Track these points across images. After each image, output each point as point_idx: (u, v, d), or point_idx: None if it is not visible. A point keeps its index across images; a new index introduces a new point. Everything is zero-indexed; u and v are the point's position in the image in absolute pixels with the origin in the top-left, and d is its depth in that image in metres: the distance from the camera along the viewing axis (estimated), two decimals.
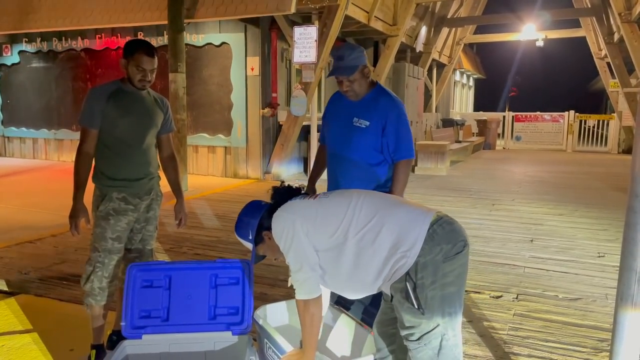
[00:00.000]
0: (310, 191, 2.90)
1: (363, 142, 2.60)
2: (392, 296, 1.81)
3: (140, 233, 2.67)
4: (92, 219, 2.56)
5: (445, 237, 1.73)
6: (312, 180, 2.94)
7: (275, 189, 2.11)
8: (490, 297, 3.62)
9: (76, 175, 2.50)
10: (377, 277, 1.78)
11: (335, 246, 1.83)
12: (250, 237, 2.03)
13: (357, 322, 2.32)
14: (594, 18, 15.61)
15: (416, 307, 1.69)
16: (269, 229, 1.97)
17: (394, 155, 2.60)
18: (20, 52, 11.15)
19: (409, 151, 2.61)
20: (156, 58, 2.54)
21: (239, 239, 2.09)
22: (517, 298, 3.61)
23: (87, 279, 2.52)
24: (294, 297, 2.13)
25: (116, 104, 2.50)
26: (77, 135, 11.76)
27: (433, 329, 1.72)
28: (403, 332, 1.78)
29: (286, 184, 2.14)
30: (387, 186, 2.61)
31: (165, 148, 2.79)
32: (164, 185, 2.76)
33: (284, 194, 2.07)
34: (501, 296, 3.64)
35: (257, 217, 2.01)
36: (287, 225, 1.89)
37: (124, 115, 2.51)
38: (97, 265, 2.51)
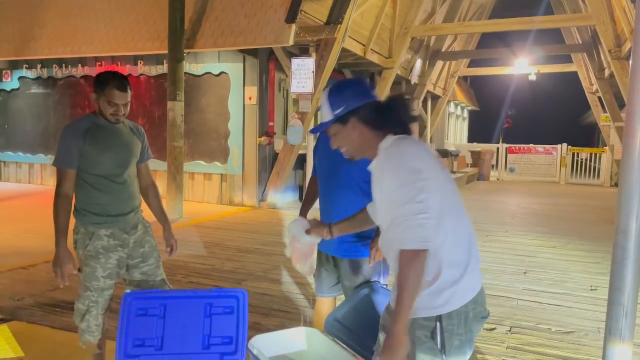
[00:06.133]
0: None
1: (352, 174, 2.65)
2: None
3: (138, 268, 2.59)
4: (76, 259, 2.45)
5: (481, 298, 1.73)
6: (305, 210, 2.98)
7: (404, 98, 1.76)
8: (483, 329, 3.62)
9: (57, 220, 2.37)
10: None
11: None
12: (338, 111, 1.73)
13: (345, 348, 2.32)
14: (585, 54, 15.99)
15: (439, 348, 1.62)
16: (363, 120, 1.72)
17: None
18: (20, 78, 11.28)
19: None
20: (129, 91, 2.41)
21: (323, 99, 1.78)
22: (510, 331, 3.62)
23: (82, 318, 2.46)
24: (288, 327, 2.13)
25: (93, 140, 2.40)
26: None
27: None
28: None
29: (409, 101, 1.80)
30: None
31: (144, 177, 2.71)
32: (148, 215, 2.71)
33: (404, 106, 1.73)
34: (494, 328, 3.65)
35: (362, 101, 1.72)
36: (414, 164, 1.60)
37: (103, 152, 2.43)
38: (91, 305, 2.45)
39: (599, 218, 9.05)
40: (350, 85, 1.77)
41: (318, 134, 2.91)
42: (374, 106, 1.72)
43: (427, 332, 1.64)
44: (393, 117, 1.71)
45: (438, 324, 1.63)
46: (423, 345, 1.64)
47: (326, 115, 1.75)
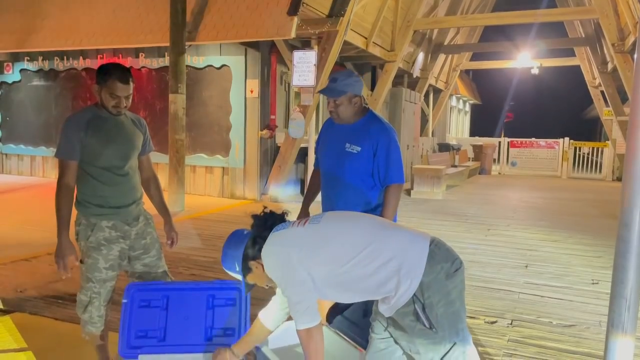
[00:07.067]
0: (304, 214, 2.95)
1: (355, 167, 2.65)
2: (388, 324, 1.83)
3: (140, 260, 2.59)
4: (78, 251, 2.45)
5: (443, 255, 1.77)
6: (306, 203, 2.99)
7: (255, 217, 2.05)
8: (485, 322, 3.63)
9: (59, 211, 2.37)
10: (379, 296, 1.81)
11: (331, 271, 1.83)
12: (238, 269, 2.00)
13: (348, 341, 2.33)
14: (588, 48, 15.91)
15: (428, 326, 1.70)
16: (255, 258, 1.96)
17: (384, 180, 2.66)
18: (22, 70, 11.25)
19: (399, 176, 2.67)
20: (131, 83, 2.40)
21: (227, 271, 2.06)
22: (511, 324, 3.63)
23: (85, 309, 2.47)
24: (290, 320, 2.14)
25: (95, 132, 2.40)
26: None
27: (451, 349, 1.73)
28: None
29: (268, 210, 2.08)
30: (377, 210, 2.66)
31: (146, 169, 2.71)
32: (149, 207, 2.72)
33: (265, 221, 2.03)
34: (496, 322, 3.66)
35: (241, 248, 1.98)
36: (281, 259, 1.86)
37: (106, 144, 2.42)
38: (93, 297, 2.46)
39: (600, 212, 9.05)
40: (228, 245, 2.03)
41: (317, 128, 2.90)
42: (251, 243, 1.97)
43: (412, 317, 1.72)
44: (266, 234, 1.96)
45: (416, 305, 1.70)
46: (414, 330, 1.73)
47: (238, 277, 2.03)
